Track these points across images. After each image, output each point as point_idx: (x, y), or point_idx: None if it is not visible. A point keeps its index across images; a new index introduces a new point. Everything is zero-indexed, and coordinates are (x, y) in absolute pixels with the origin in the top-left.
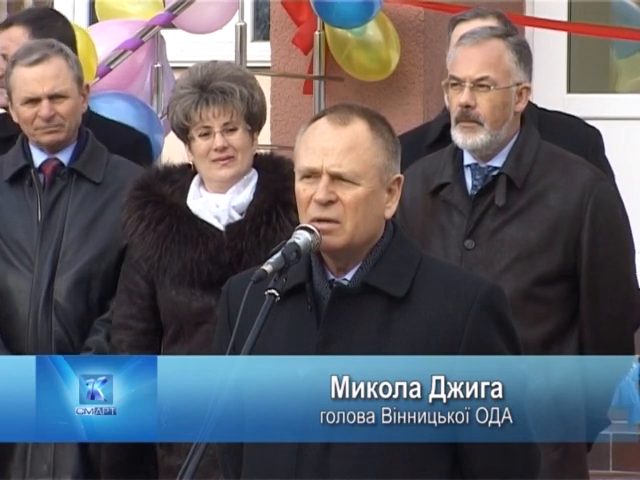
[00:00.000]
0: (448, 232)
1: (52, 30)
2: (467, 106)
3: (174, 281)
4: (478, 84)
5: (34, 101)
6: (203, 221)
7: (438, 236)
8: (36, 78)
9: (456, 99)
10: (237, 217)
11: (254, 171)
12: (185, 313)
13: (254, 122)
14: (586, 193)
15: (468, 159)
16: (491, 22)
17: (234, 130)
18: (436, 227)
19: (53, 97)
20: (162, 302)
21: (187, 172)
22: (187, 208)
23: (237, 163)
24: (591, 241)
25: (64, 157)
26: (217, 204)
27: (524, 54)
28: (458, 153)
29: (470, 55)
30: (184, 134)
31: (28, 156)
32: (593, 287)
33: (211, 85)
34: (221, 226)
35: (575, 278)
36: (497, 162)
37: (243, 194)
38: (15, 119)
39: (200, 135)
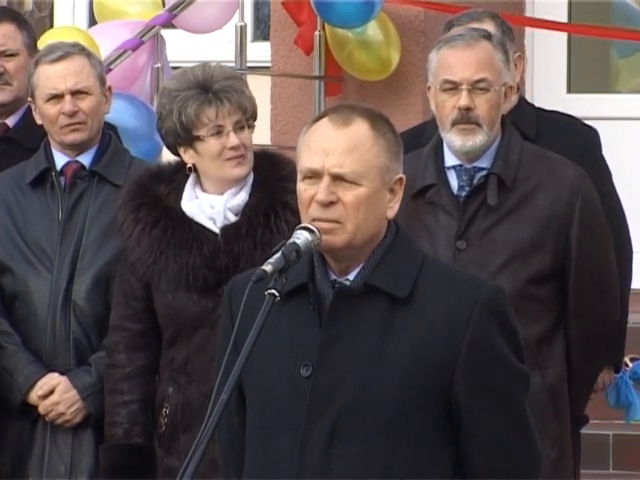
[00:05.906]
0: (436, 233)
1: (30, 25)
2: (467, 109)
3: (170, 285)
4: (477, 86)
5: (57, 98)
6: (197, 224)
7: (425, 238)
8: (58, 74)
9: (451, 102)
10: (233, 218)
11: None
12: (182, 317)
13: (254, 120)
14: (574, 192)
15: (451, 160)
16: (487, 24)
17: (243, 128)
18: (421, 229)
19: (76, 93)
20: (159, 306)
21: (182, 171)
22: (182, 210)
23: (248, 161)
24: (580, 238)
25: (85, 159)
26: (212, 205)
27: (508, 54)
28: (439, 154)
29: (464, 57)
30: (187, 135)
31: (50, 159)
32: (581, 284)
33: (217, 85)
34: (216, 228)
35: (562, 277)
36: (483, 163)
37: (239, 195)
38: (39, 121)
39: (212, 135)
